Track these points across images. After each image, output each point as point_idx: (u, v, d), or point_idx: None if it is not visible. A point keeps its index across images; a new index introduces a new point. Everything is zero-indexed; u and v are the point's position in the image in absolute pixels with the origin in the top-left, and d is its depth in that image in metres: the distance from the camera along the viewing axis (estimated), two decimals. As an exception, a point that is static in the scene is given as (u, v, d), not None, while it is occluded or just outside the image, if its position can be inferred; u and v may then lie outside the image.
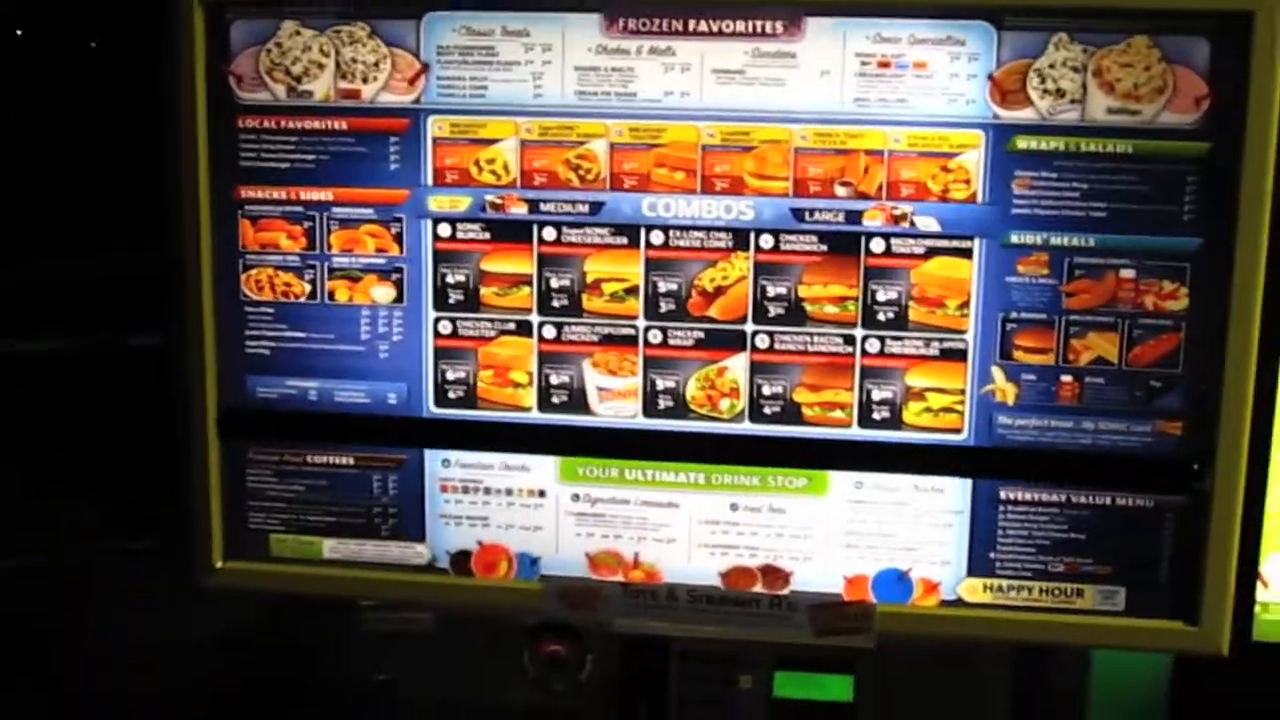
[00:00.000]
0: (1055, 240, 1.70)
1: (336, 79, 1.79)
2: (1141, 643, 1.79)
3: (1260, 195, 1.66)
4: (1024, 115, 1.69)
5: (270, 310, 1.84)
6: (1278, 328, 1.72)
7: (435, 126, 1.78)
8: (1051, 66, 1.68)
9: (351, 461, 1.86)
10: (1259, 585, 1.79)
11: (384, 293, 1.81)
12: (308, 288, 1.82)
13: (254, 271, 1.83)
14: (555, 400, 1.81)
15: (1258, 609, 1.79)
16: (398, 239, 1.80)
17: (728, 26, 1.72)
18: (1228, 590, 1.73)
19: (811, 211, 1.73)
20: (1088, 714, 1.94)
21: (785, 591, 1.80)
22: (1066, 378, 1.73)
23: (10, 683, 2.03)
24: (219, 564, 1.89)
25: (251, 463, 1.88)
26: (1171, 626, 1.76)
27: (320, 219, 1.81)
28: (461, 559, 1.87)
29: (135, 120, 1.85)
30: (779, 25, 1.71)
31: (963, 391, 1.74)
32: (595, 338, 1.79)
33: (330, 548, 1.89)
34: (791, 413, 1.77)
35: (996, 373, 1.74)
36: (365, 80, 1.78)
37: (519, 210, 1.78)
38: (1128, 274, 1.71)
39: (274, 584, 1.90)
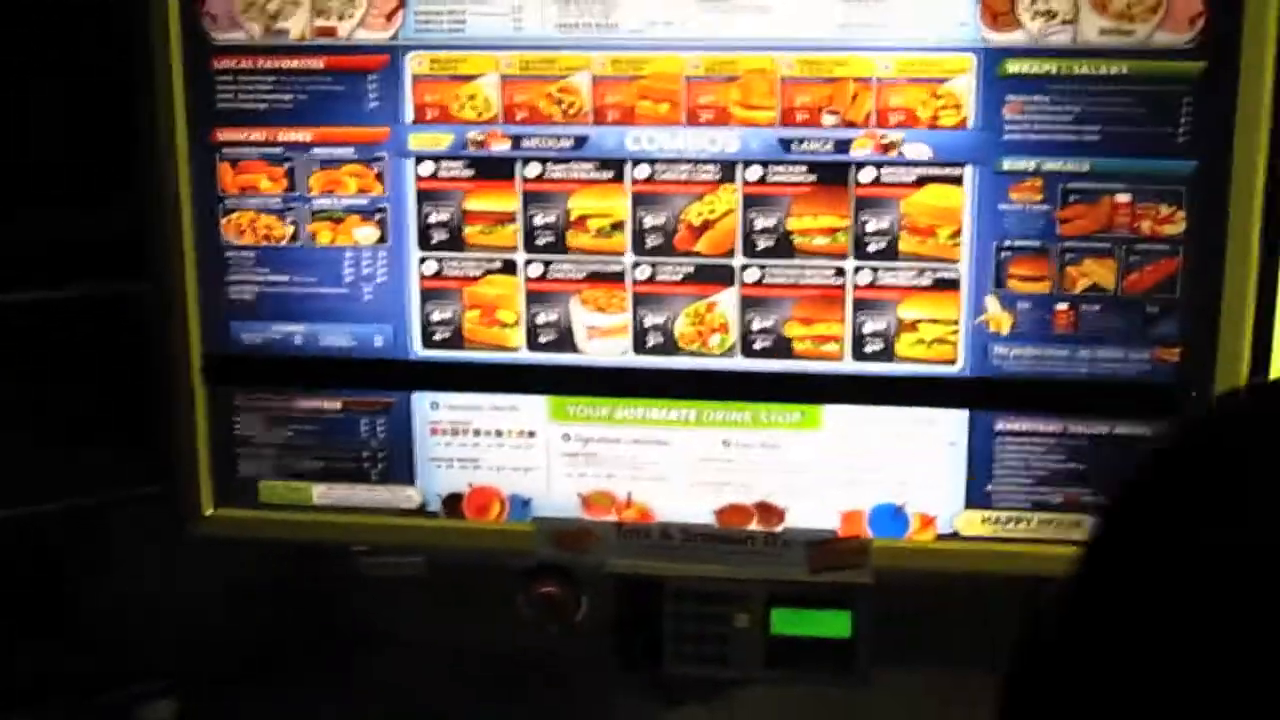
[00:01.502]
0: (1049, 166, 1.67)
1: (312, 16, 1.75)
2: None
3: (1257, 115, 1.62)
4: (1015, 38, 1.65)
5: (252, 254, 1.81)
6: (1276, 250, 1.69)
7: (414, 63, 1.74)
8: (1043, -13, 1.64)
9: (339, 406, 1.84)
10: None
11: (367, 233, 1.78)
12: (290, 230, 1.80)
13: (234, 215, 1.81)
14: (543, 339, 1.78)
15: (1257, 536, 1.76)
16: (380, 178, 1.77)
17: (710, -47, 1.68)
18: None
19: (799, 141, 1.70)
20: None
21: (780, 528, 1.78)
22: (1062, 306, 1.70)
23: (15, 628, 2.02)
24: (208, 511, 1.87)
25: (238, 409, 1.86)
26: (1171, 555, 1.73)
27: (300, 160, 1.78)
28: (453, 502, 1.85)
29: (109, 64, 1.81)
30: (763, -49, 1.67)
31: (956, 322, 1.72)
32: (582, 275, 1.76)
33: (320, 493, 1.87)
34: (783, 347, 1.74)
35: (990, 302, 1.71)
36: (341, 17, 1.75)
37: (501, 147, 1.74)
38: (1123, 198, 1.67)
39: (264, 530, 1.88)
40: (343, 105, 1.76)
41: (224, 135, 1.80)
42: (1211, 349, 1.68)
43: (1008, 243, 1.70)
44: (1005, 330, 1.72)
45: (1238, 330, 1.67)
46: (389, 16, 1.74)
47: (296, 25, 1.76)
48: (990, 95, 1.67)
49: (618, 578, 1.81)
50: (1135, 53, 1.65)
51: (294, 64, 1.77)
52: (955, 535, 1.78)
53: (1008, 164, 1.68)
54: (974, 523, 1.77)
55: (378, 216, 1.78)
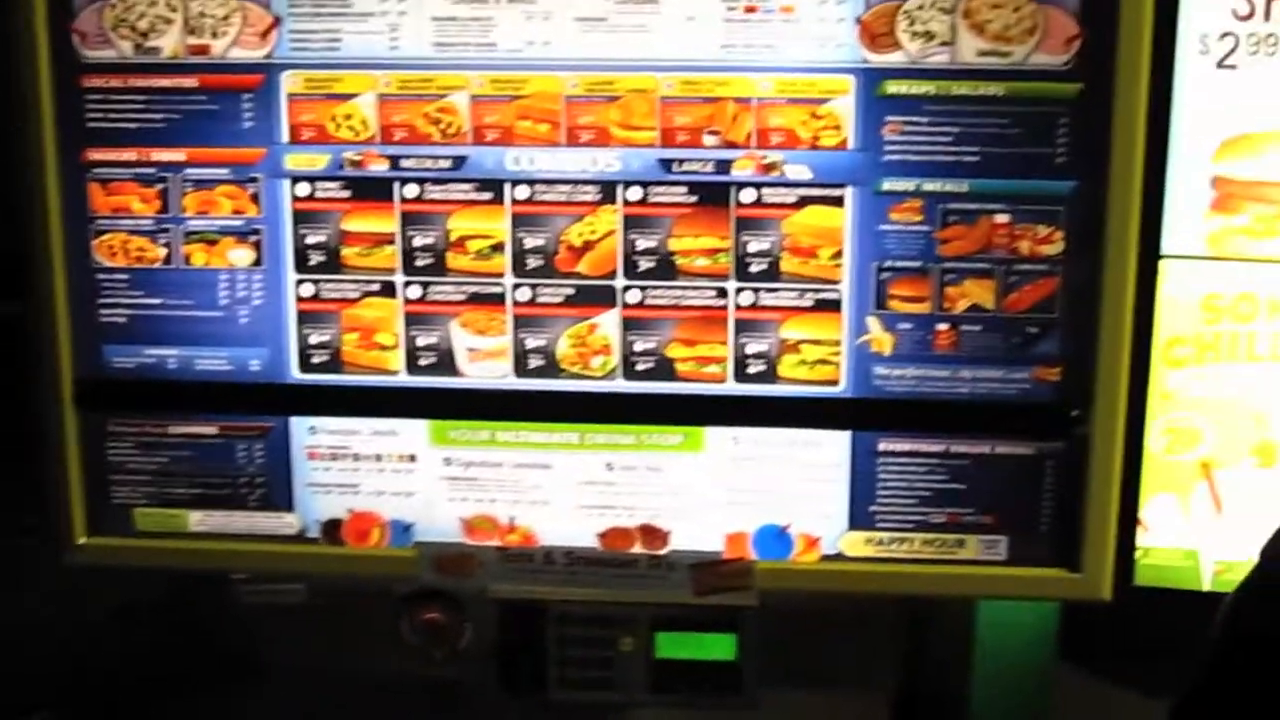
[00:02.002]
0: (928, 186, 1.67)
1: (185, 34, 1.71)
2: (1024, 591, 1.78)
3: (1132, 136, 1.63)
4: (894, 59, 1.65)
5: (125, 277, 1.77)
6: (1153, 268, 1.70)
7: (290, 82, 1.71)
8: (920, 8, 1.64)
9: (215, 431, 1.80)
10: (1140, 529, 1.77)
11: (242, 255, 1.75)
12: (163, 252, 1.76)
13: (106, 237, 1.77)
14: (423, 362, 1.76)
15: (1139, 553, 1.77)
16: (255, 199, 1.73)
17: (589, -29, 1.66)
18: (1108, 536, 1.72)
19: (680, 162, 1.68)
20: (975, 663, 1.93)
21: (664, 551, 1.77)
22: (943, 326, 1.70)
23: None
24: (82, 540, 1.83)
25: (111, 435, 1.82)
26: (1054, 574, 1.75)
27: (173, 181, 1.74)
28: (333, 528, 1.82)
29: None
30: (641, -30, 1.65)
31: (838, 343, 1.71)
32: (462, 297, 1.74)
33: (197, 520, 1.83)
34: (665, 369, 1.73)
35: (872, 323, 1.71)
36: (215, 35, 1.71)
37: (379, 167, 1.72)
38: (1002, 219, 1.68)
39: (140, 559, 1.84)
40: (217, 125, 1.73)
41: (95, 155, 1.76)
42: (1091, 368, 1.69)
43: (888, 263, 1.70)
44: (887, 351, 1.71)
45: (1116, 349, 1.68)
46: (263, 35, 1.71)
47: (169, 43, 1.72)
48: (870, 116, 1.66)
49: (501, 603, 1.79)
50: (1013, 74, 1.65)
51: (166, 83, 1.73)
52: (840, 556, 1.78)
53: (887, 184, 1.68)
54: (858, 543, 1.77)
55: (253, 238, 1.75)
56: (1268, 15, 1.67)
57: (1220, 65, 1.68)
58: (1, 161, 1.80)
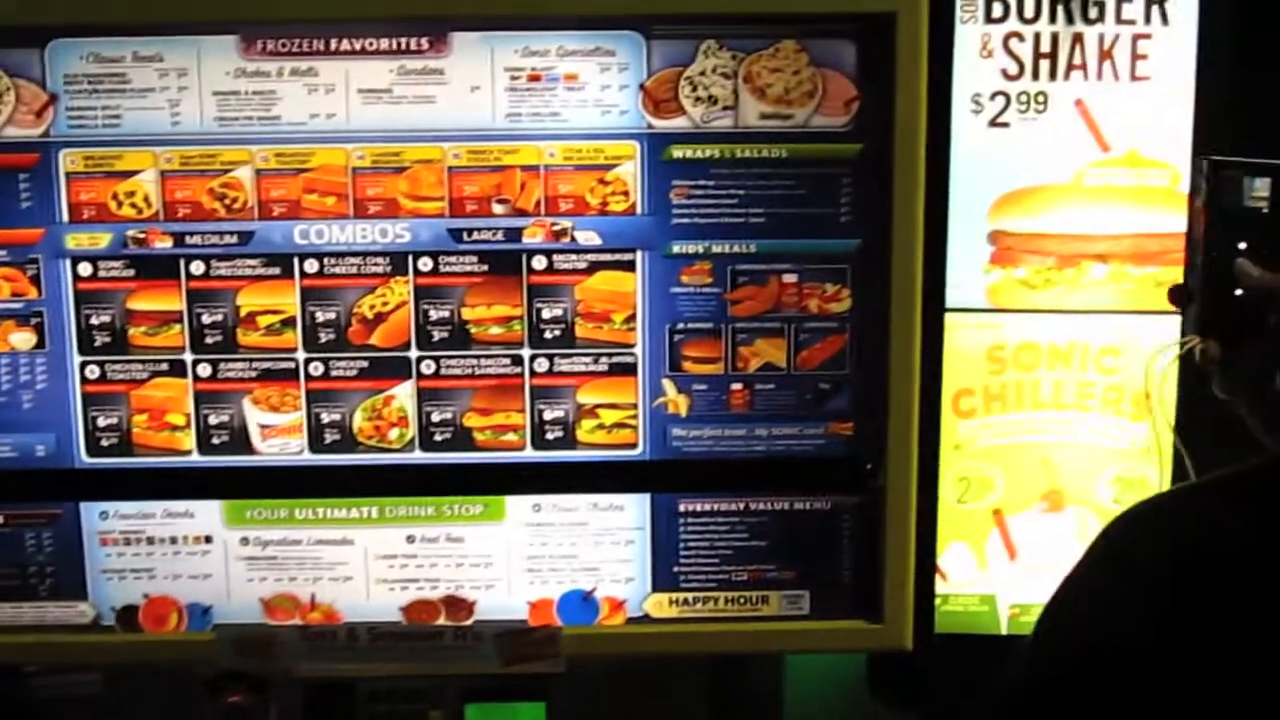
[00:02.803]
0: (717, 248, 1.69)
1: (-43, 114, 1.67)
2: (828, 644, 1.80)
3: (913, 193, 1.67)
4: (678, 124, 1.67)
5: (-99, 365, 1.71)
6: (939, 322, 1.74)
7: (68, 160, 1.68)
8: (702, 74, 1.67)
9: (1, 520, 1.74)
10: (938, 578, 1.80)
11: (23, 339, 1.70)
12: (-59, 338, 1.70)
13: (-120, 323, 1.70)
14: (216, 441, 1.73)
15: (938, 601, 1.81)
16: (34, 281, 1.69)
17: (371, 44, 1.66)
18: (907, 586, 1.75)
19: (470, 231, 1.68)
20: (786, 714, 1.94)
21: (469, 622, 1.75)
22: (737, 386, 1.72)
23: None
24: None
25: (-109, 528, 1.75)
26: (856, 626, 1.77)
27: (-51, 264, 1.69)
28: (128, 614, 1.77)
29: None
30: (424, 41, 1.66)
31: (635, 406, 1.72)
32: (254, 373, 1.71)
33: (-14, 612, 1.77)
34: (463, 438, 1.72)
35: (667, 385, 1.72)
36: (-11, 114, 1.66)
37: (164, 245, 1.69)
38: (790, 278, 1.71)
39: (-74, 656, 1.77)
40: (-7, 206, 1.68)
41: None
42: (883, 421, 1.72)
43: (681, 325, 1.71)
44: (684, 412, 1.73)
45: (906, 402, 1.71)
46: (39, 113, 1.67)
47: (-59, 124, 1.67)
48: (656, 180, 1.68)
49: (307, 682, 1.76)
50: (795, 136, 1.68)
51: (-61, 164, 1.68)
52: (645, 618, 1.78)
53: (677, 248, 1.70)
54: (663, 604, 1.78)
55: (34, 320, 1.70)
56: (1035, 74, 1.72)
57: (993, 124, 1.73)
58: None
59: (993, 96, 1.74)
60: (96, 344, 1.71)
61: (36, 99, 1.67)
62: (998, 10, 1.73)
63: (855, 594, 1.76)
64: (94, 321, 1.70)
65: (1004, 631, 1.82)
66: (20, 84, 1.66)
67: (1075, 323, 1.76)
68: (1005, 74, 1.73)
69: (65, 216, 1.68)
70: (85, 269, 1.69)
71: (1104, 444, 1.78)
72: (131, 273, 1.70)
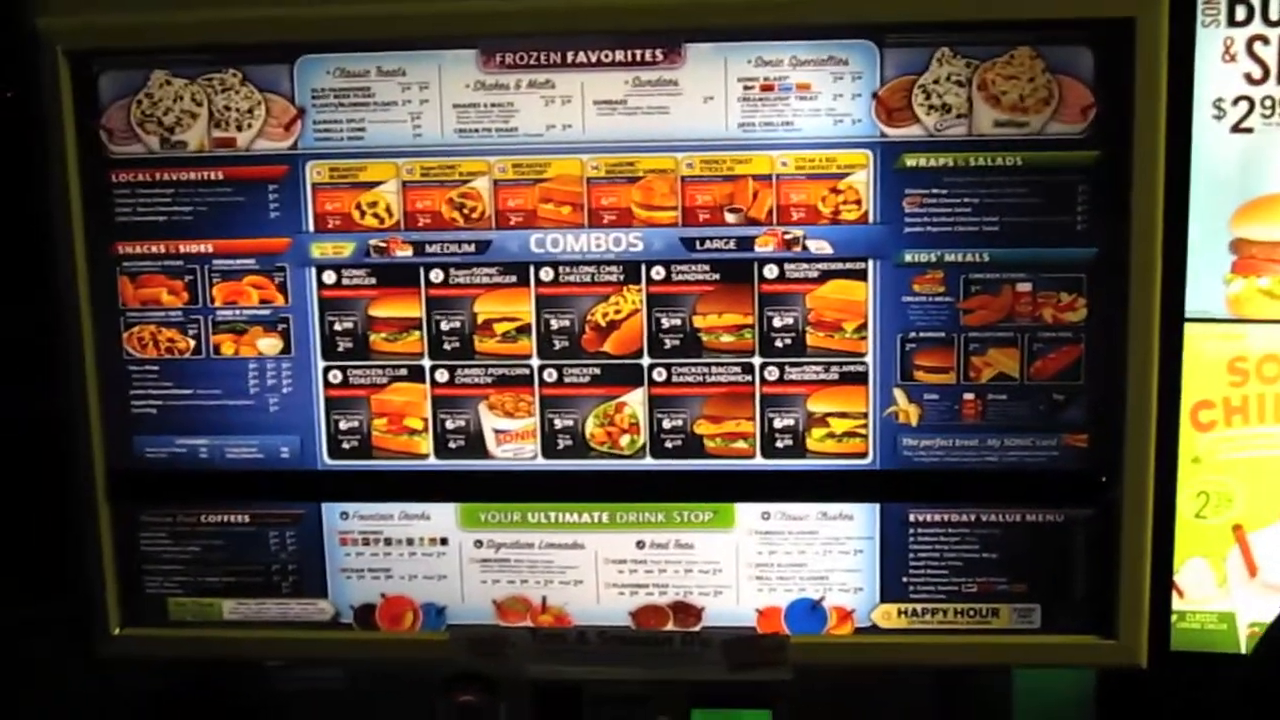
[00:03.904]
0: (950, 257, 1.68)
1: (210, 128, 1.74)
2: (1060, 659, 1.77)
3: (1152, 202, 1.64)
4: (911, 132, 1.67)
5: (155, 368, 1.79)
6: (1178, 332, 1.71)
7: (314, 172, 1.73)
8: (936, 82, 1.66)
9: (247, 519, 1.81)
10: (1174, 595, 1.76)
11: (270, 344, 1.76)
12: (192, 343, 1.77)
13: (136, 329, 1.78)
14: (452, 445, 1.77)
15: (1174, 618, 1.77)
16: (282, 288, 1.75)
17: (607, 56, 1.69)
18: (1143, 601, 1.71)
19: (702, 240, 1.70)
20: (1014, 732, 1.92)
21: (697, 628, 1.76)
22: (969, 396, 1.70)
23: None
24: (117, 631, 1.83)
25: (144, 525, 1.83)
26: (1089, 641, 1.74)
27: (201, 272, 1.76)
28: (366, 613, 1.82)
29: (10, 178, 1.79)
30: (659, 53, 1.68)
31: (865, 415, 1.72)
32: (489, 379, 1.75)
33: (231, 608, 1.84)
34: (694, 446, 1.74)
35: (898, 394, 1.71)
36: (240, 128, 1.73)
37: (404, 253, 1.73)
38: (1024, 287, 1.68)
39: (175, 649, 1.85)
40: (243, 216, 1.75)
41: (124, 248, 1.77)
42: (1119, 433, 1.68)
43: (912, 334, 1.70)
44: (914, 422, 1.72)
45: (1143, 414, 1.68)
46: (287, 126, 1.73)
47: (194, 137, 1.75)
48: (889, 189, 1.68)
49: (536, 684, 1.79)
50: (1030, 143, 1.66)
51: (193, 175, 1.76)
52: (873, 628, 1.77)
53: (909, 256, 1.69)
54: (891, 615, 1.77)
55: (281, 327, 1.76)
56: (1281, 78, 1.68)
57: (1235, 129, 1.69)
58: (30, 256, 1.82)
59: (1235, 101, 1.69)
60: (339, 350, 1.76)
61: (285, 113, 1.72)
62: (1241, 13, 1.69)
63: (1088, 609, 1.73)
64: (337, 328, 1.75)
65: (1243, 650, 1.76)
66: (270, 98, 1.72)
67: (1320, 334, 1.71)
68: (1249, 78, 1.69)
69: (311, 226, 1.74)
70: (330, 277, 1.75)
71: (1349, 459, 1.72)
72: (373, 280, 1.74)
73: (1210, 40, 1.68)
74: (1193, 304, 1.71)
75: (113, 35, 1.72)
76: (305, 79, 1.71)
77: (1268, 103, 1.69)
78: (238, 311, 1.76)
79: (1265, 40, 1.68)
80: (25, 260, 1.82)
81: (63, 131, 1.75)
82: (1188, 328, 1.71)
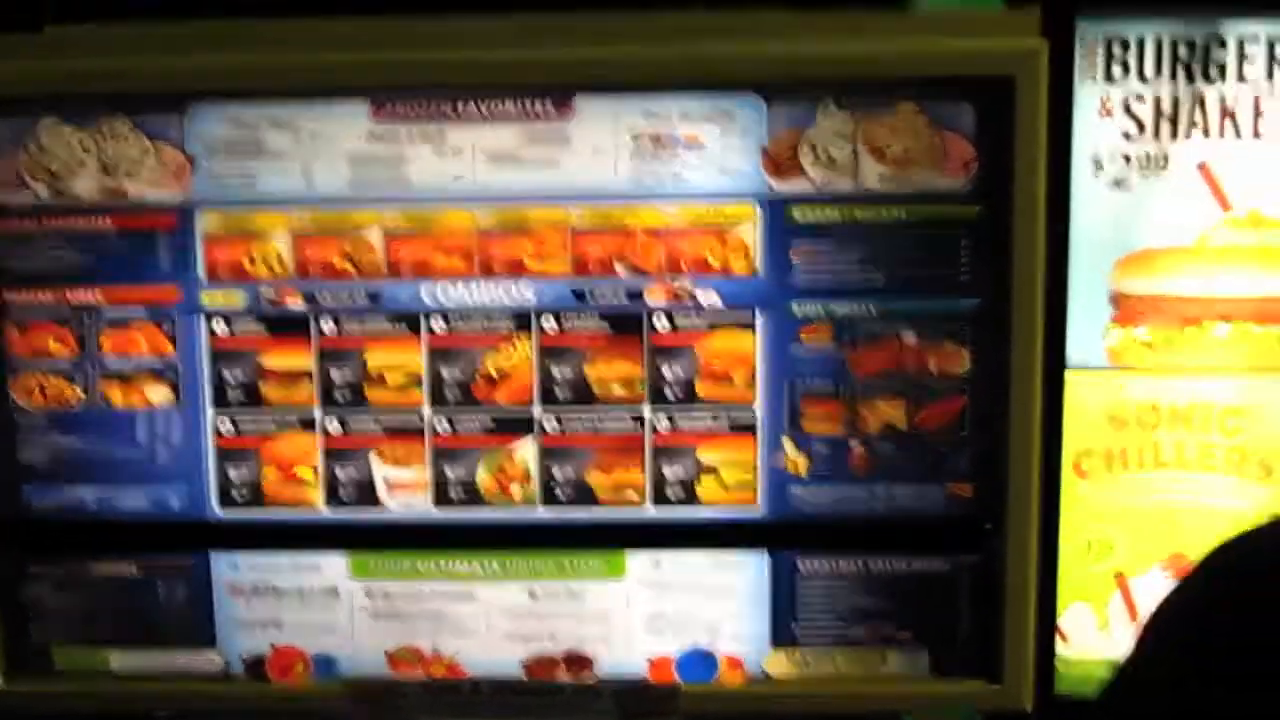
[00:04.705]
0: (836, 308, 1.70)
1: (100, 176, 1.73)
2: (947, 704, 1.79)
3: (1032, 254, 1.68)
4: (798, 186, 1.69)
5: (43, 417, 1.77)
6: (1059, 382, 1.74)
7: (205, 221, 1.73)
8: (822, 136, 1.68)
9: (136, 570, 1.80)
10: (1058, 640, 1.79)
11: (160, 393, 1.75)
12: (80, 392, 1.76)
13: (23, 377, 1.76)
14: (343, 495, 1.76)
15: (1058, 663, 1.79)
16: (171, 338, 1.74)
17: (498, 108, 1.70)
18: (1027, 647, 1.74)
19: (592, 291, 1.71)
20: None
21: (590, 678, 1.77)
22: (856, 445, 1.73)
23: None
24: (0, 683, 1.80)
25: (31, 576, 1.81)
26: (975, 687, 1.76)
27: (90, 320, 1.75)
28: (256, 664, 1.81)
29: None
30: (550, 106, 1.69)
31: (755, 465, 1.73)
32: (381, 429, 1.75)
33: (119, 659, 1.82)
34: (585, 495, 1.75)
35: (787, 444, 1.73)
36: (129, 176, 1.72)
37: (296, 303, 1.73)
38: (910, 339, 1.71)
39: (61, 702, 1.82)
40: (133, 265, 1.74)
41: (11, 296, 1.75)
42: (1003, 482, 1.71)
43: (800, 385, 1.72)
44: (803, 471, 1.74)
45: (1026, 462, 1.71)
46: (178, 175, 1.72)
47: (84, 185, 1.74)
48: (777, 241, 1.70)
49: (429, 735, 1.78)
50: (914, 197, 1.69)
51: (82, 224, 1.74)
52: (764, 677, 1.78)
53: (797, 308, 1.71)
54: (782, 662, 1.78)
55: (170, 376, 1.75)
56: (1157, 134, 1.72)
57: (1114, 185, 1.73)
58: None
59: (1113, 158, 1.73)
60: (230, 399, 1.75)
61: (176, 162, 1.72)
62: (1117, 71, 1.73)
63: (974, 654, 1.76)
64: (228, 377, 1.75)
65: (1125, 695, 1.79)
66: (161, 147, 1.72)
67: (1198, 383, 1.75)
68: (1125, 135, 1.73)
69: (203, 275, 1.73)
70: (220, 326, 1.74)
71: (1227, 506, 1.76)
72: (264, 330, 1.74)
73: (1088, 96, 1.72)
74: (1074, 354, 1.74)
75: (4, 83, 1.70)
76: (196, 128, 1.71)
77: (1144, 158, 1.73)
78: (127, 360, 1.75)
79: (1141, 98, 1.72)
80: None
81: (-50, 179, 1.73)
82: (1069, 376, 1.75)
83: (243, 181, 1.72)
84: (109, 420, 1.77)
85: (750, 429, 1.73)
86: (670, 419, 1.73)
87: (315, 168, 1.72)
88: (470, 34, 1.68)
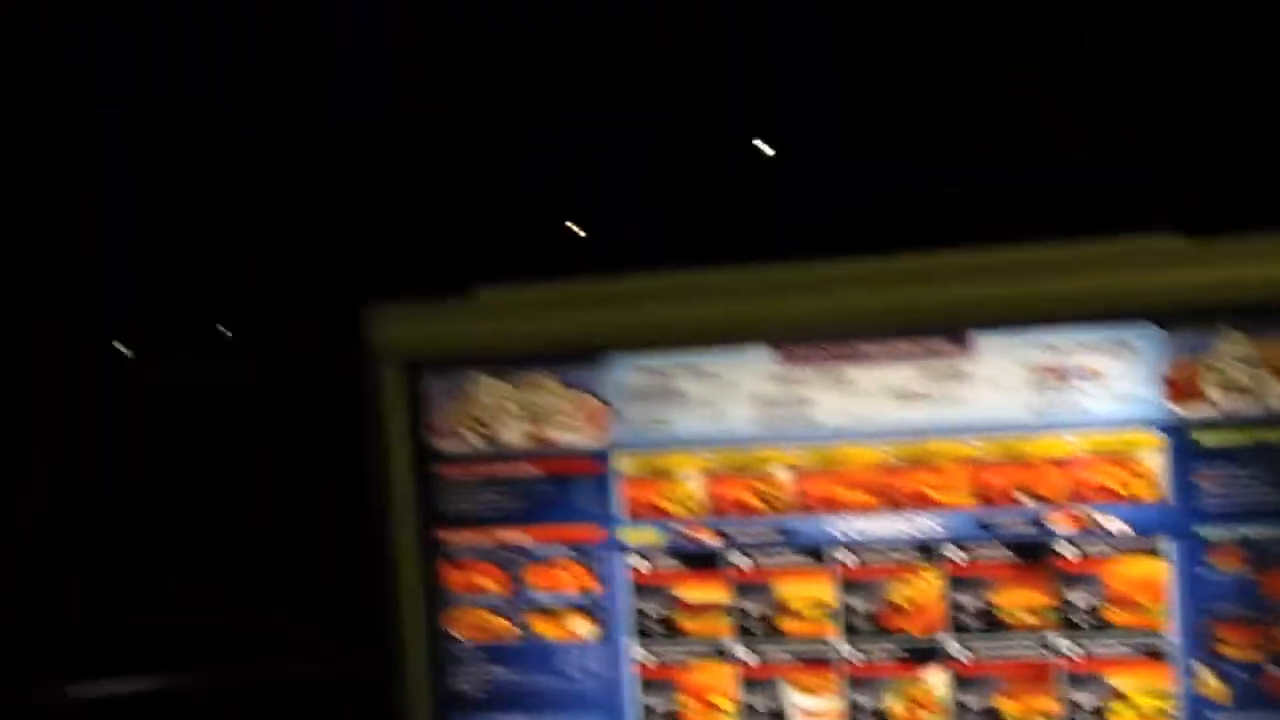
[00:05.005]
0: (1247, 532, 1.70)
1: (526, 425, 1.88)
2: None
3: None
4: (1201, 411, 1.70)
5: (475, 648, 1.90)
6: None
7: (623, 463, 1.85)
8: (1223, 361, 1.70)
9: (562, 795, 1.90)
10: None
11: (584, 627, 1.87)
12: (511, 626, 1.89)
13: (457, 610, 1.91)
14: (757, 724, 1.83)
15: None
16: (595, 574, 1.86)
17: (898, 349, 1.78)
18: None
19: (997, 521, 1.75)
20: None
21: None
22: (1276, 672, 1.70)
23: None
24: None
25: (468, 803, 1.93)
26: None
27: (520, 559, 1.88)
28: None
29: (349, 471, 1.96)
30: (948, 344, 1.76)
31: (1168, 692, 1.72)
32: (793, 659, 1.82)
33: None
34: (995, 722, 1.77)
35: (1202, 670, 1.72)
36: (552, 424, 1.87)
37: (710, 540, 1.83)
38: (1326, 562, 1.69)
39: None
40: (557, 506, 1.87)
41: (447, 536, 1.91)
42: None
43: (1214, 610, 1.71)
44: (1223, 700, 1.72)
45: None
46: (597, 422, 1.86)
47: (511, 434, 1.89)
48: (1182, 467, 1.72)
49: None
50: (1325, 418, 1.68)
51: (510, 470, 1.89)
52: None
53: (1206, 531, 1.71)
54: None
55: (594, 611, 1.87)
56: None
57: None
58: (366, 544, 1.98)
59: None
60: (649, 632, 1.85)
61: (595, 410, 1.86)
62: None
63: None
64: (647, 611, 1.85)
65: None
66: (581, 397, 1.87)
67: None
68: None
69: (622, 514, 1.85)
70: (640, 562, 1.85)
71: None
72: (681, 566, 1.84)
73: None
74: None
75: (439, 345, 1.88)
76: (613, 378, 1.85)
77: None
78: (554, 596, 1.88)
79: None
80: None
81: (394, 429, 1.91)
82: None
83: (656, 425, 1.84)
84: (536, 652, 1.89)
85: (1162, 655, 1.72)
86: (1081, 646, 1.74)
87: (724, 410, 1.82)
88: (867, 276, 1.78)
